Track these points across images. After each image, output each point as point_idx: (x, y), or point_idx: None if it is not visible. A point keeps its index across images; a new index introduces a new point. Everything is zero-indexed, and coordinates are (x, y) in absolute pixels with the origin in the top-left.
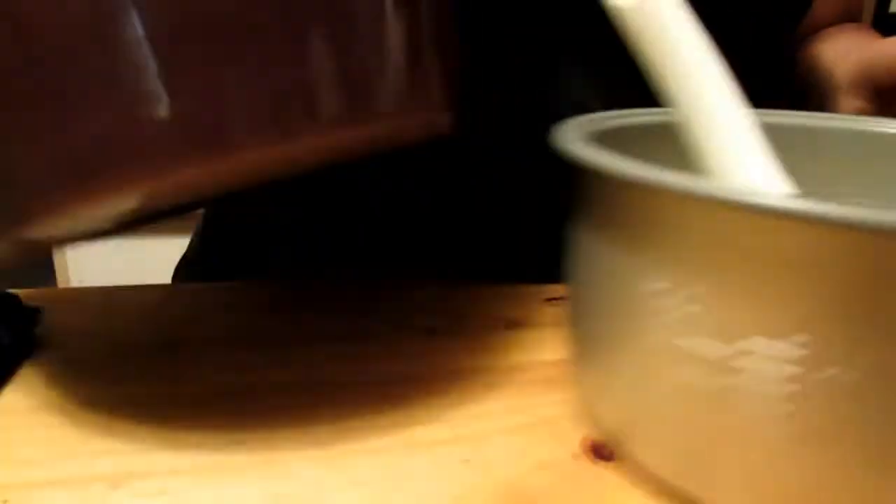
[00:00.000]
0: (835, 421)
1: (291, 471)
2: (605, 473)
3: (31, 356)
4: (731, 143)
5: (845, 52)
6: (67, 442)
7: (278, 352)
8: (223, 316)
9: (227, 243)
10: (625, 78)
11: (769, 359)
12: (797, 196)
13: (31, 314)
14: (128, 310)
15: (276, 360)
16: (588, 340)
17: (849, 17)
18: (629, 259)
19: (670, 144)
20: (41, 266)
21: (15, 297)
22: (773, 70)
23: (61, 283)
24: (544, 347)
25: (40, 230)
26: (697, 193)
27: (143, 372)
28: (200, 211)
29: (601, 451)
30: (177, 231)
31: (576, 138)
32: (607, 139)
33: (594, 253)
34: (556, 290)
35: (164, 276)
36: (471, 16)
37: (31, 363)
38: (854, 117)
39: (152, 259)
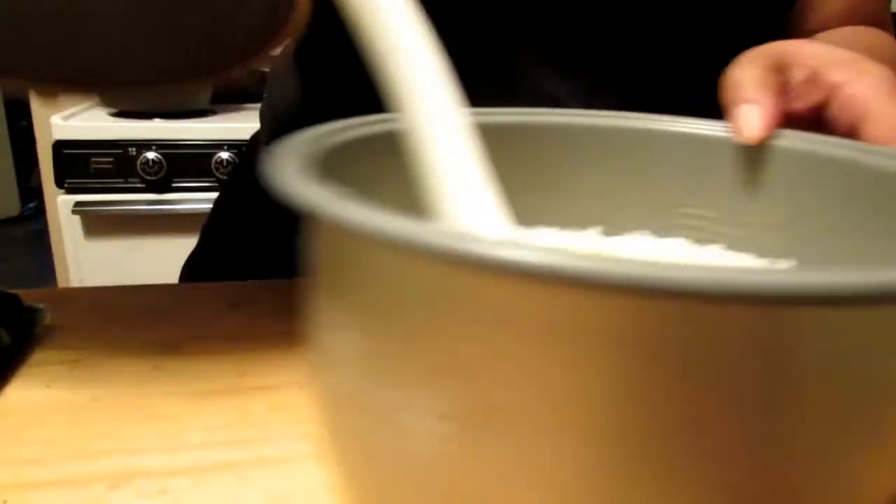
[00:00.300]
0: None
1: (291, 471)
2: None
3: (31, 356)
4: (449, 165)
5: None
6: (67, 442)
7: (279, 352)
8: (224, 316)
9: (230, 243)
10: (604, 75)
11: (418, 416)
12: (495, 240)
13: (31, 314)
14: (128, 310)
15: (276, 360)
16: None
17: (860, 13)
18: (322, 298)
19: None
20: (41, 266)
21: (15, 297)
22: None
23: (61, 283)
24: None
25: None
26: (358, 230)
27: (143, 372)
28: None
29: None
30: (177, 231)
31: (290, 158)
32: (345, 154)
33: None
34: None
35: (164, 276)
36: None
37: (31, 363)
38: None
39: (152, 260)
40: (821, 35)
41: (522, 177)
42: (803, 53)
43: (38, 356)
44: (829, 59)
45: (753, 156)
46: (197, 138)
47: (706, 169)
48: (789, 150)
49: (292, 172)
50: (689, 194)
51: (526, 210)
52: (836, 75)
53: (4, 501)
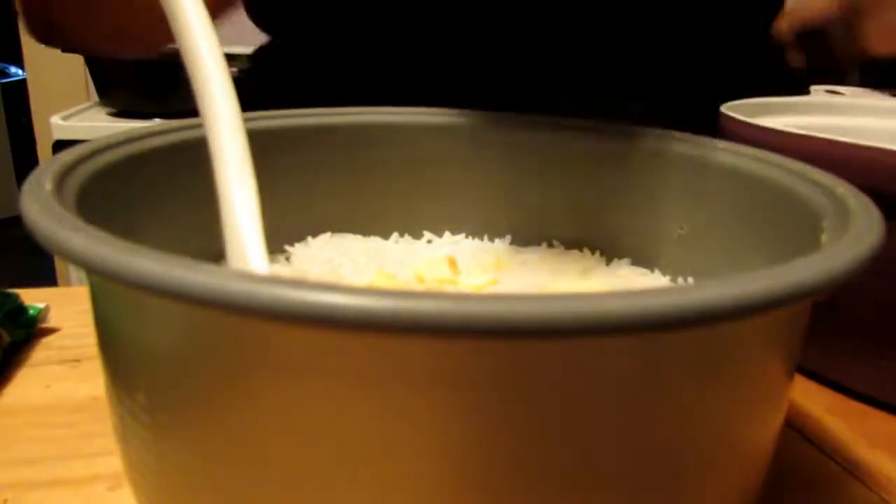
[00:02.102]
0: None
1: None
2: None
3: (31, 356)
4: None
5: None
6: (67, 442)
7: None
8: None
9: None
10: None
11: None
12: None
13: (31, 314)
14: None
15: None
16: None
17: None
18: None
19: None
20: (41, 266)
21: (15, 296)
22: (753, 65)
23: (61, 283)
24: None
25: None
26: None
27: None
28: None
29: None
30: None
31: (45, 178)
32: (137, 169)
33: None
34: None
35: None
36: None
37: (31, 363)
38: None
39: None
40: None
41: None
42: None
43: (37, 356)
44: None
45: (658, 164)
46: None
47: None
48: (686, 156)
49: (44, 207)
50: (602, 207)
51: (426, 217)
52: None
53: (5, 501)
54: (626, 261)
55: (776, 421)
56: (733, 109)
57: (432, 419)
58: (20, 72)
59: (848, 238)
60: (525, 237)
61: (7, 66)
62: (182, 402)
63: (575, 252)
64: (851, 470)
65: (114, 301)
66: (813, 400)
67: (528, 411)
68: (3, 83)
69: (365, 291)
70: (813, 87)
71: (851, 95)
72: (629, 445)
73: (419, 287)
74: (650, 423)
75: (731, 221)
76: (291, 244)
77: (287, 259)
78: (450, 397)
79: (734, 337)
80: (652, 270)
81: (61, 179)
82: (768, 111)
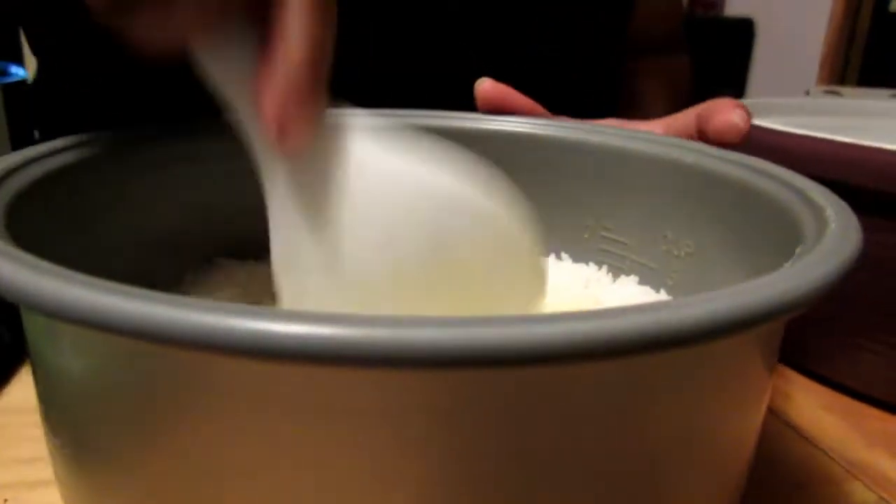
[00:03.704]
0: None
1: None
2: None
3: None
4: None
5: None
6: None
7: None
8: None
9: None
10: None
11: None
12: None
13: None
14: None
15: None
16: None
17: (669, 35)
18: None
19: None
20: None
21: None
22: (606, 77)
23: None
24: None
25: None
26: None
27: None
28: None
29: None
30: None
31: None
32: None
33: None
34: None
35: None
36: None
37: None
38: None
39: None
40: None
41: None
42: None
43: None
44: None
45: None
46: None
47: (623, 187)
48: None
49: None
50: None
51: None
52: None
53: (5, 501)
54: (633, 278)
55: (755, 421)
56: None
57: (385, 452)
58: (21, 71)
59: (820, 252)
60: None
61: (7, 65)
62: (99, 435)
63: (581, 265)
64: (850, 469)
65: (31, 320)
66: (811, 399)
67: (475, 439)
68: (3, 83)
69: (299, 318)
70: (813, 88)
71: (851, 95)
72: (592, 466)
73: None
74: (607, 446)
75: (733, 238)
76: None
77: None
78: (388, 428)
79: (708, 351)
80: (658, 290)
81: None
82: (768, 111)
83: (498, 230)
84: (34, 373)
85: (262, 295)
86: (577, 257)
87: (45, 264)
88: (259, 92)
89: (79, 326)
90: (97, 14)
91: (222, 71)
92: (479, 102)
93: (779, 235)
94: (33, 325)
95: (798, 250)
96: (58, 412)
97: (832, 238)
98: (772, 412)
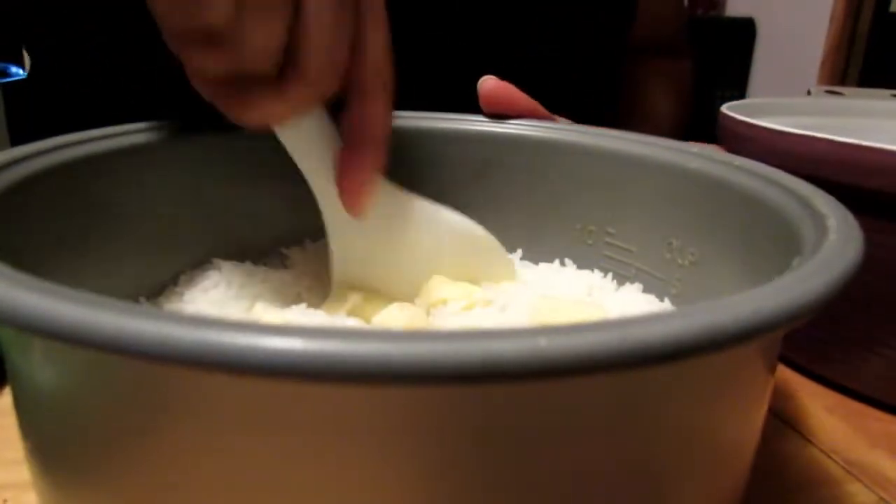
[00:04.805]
0: None
1: None
2: None
3: None
4: None
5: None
6: None
7: None
8: None
9: None
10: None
11: None
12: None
13: None
14: None
15: None
16: None
17: (672, 38)
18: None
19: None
20: None
21: None
22: (607, 78)
23: None
24: None
25: None
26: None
27: None
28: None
29: None
30: None
31: None
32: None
33: None
34: None
35: None
36: None
37: None
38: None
39: None
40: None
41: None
42: None
43: None
44: None
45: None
46: None
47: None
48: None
49: None
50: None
51: None
52: None
53: (4, 501)
54: (637, 286)
55: (756, 424)
56: (733, 109)
57: (372, 467)
58: (20, 72)
59: (815, 264)
60: (537, 253)
61: (7, 65)
62: (67, 449)
63: (586, 272)
64: (851, 470)
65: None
66: (813, 400)
67: (467, 453)
68: (3, 83)
69: (277, 331)
70: (813, 87)
71: (851, 95)
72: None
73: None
74: (601, 459)
75: (736, 246)
76: (288, 247)
77: (285, 264)
78: (372, 443)
79: (706, 360)
80: (662, 299)
81: None
82: (768, 111)
83: (478, 238)
84: (9, 378)
85: (257, 297)
86: (582, 264)
87: (11, 272)
88: (341, 173)
89: (43, 338)
90: (205, 96)
91: (300, 147)
92: (482, 100)
93: (781, 244)
94: (5, 334)
95: (795, 262)
96: (27, 417)
97: (829, 249)
98: (773, 413)
